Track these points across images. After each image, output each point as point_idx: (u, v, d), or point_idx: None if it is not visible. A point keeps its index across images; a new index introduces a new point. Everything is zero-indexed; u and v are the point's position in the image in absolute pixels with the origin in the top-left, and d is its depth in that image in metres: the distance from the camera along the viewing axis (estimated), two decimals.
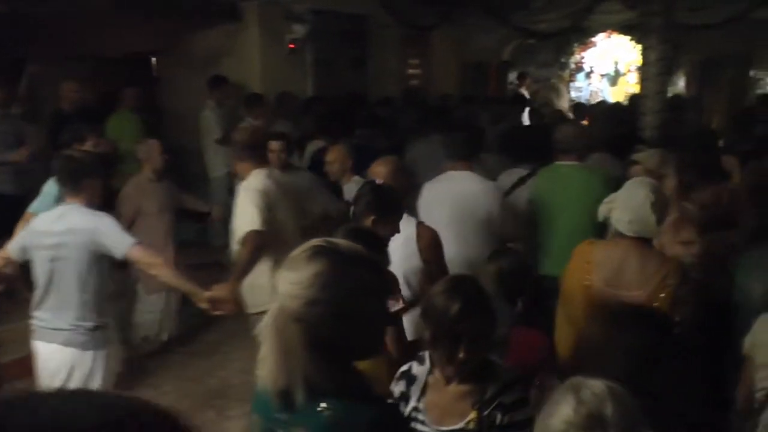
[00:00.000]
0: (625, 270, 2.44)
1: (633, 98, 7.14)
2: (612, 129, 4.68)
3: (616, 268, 2.46)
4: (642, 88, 5.67)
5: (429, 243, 2.87)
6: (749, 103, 8.31)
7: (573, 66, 11.46)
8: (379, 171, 3.12)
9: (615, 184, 3.23)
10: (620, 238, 2.48)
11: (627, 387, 1.36)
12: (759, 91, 9.03)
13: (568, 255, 2.73)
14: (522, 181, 3.88)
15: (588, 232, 3.08)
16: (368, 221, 2.54)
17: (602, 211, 2.56)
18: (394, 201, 2.66)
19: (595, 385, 1.31)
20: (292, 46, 6.95)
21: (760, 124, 6.01)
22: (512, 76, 10.95)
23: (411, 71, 8.74)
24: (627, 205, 2.45)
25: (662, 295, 2.34)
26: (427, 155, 4.65)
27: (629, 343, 1.72)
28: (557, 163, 3.69)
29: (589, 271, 2.51)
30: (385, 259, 2.19)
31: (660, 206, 2.42)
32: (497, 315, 1.93)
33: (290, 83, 6.77)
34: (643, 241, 2.47)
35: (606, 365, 1.67)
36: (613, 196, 2.57)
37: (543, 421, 1.32)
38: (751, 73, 9.95)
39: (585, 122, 6.31)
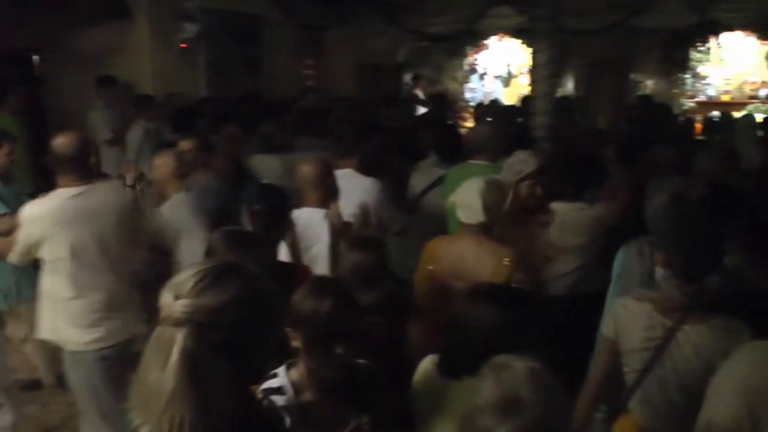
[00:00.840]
0: (464, 261, 2.84)
1: (524, 99, 7.97)
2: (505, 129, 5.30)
3: (455, 259, 2.87)
4: (532, 89, 6.46)
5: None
6: (629, 103, 9.53)
7: (467, 68, 12.45)
8: (305, 170, 3.38)
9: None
10: (463, 231, 2.94)
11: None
12: (638, 93, 10.40)
13: None
14: (439, 180, 4.30)
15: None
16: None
17: (448, 204, 3.04)
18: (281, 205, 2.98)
19: (516, 366, 1.40)
20: (183, 45, 7.25)
21: (636, 123, 7.09)
22: (407, 78, 11.79)
23: (306, 72, 9.28)
24: (462, 196, 2.94)
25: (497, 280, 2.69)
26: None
27: (493, 319, 1.95)
28: (470, 162, 4.07)
29: (436, 263, 2.93)
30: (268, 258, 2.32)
31: (491, 195, 2.86)
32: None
33: (182, 84, 7.08)
34: (481, 233, 2.88)
35: (468, 342, 1.95)
36: (460, 188, 3.02)
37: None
38: (631, 76, 11.42)
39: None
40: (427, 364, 2.14)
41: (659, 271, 2.37)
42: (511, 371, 1.39)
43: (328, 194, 3.38)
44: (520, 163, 3.50)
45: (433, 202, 4.29)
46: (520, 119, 7.21)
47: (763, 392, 1.53)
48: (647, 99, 8.27)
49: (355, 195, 3.67)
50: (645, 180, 3.55)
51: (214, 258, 1.51)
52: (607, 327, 2.42)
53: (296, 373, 1.86)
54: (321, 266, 3.20)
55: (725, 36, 10.74)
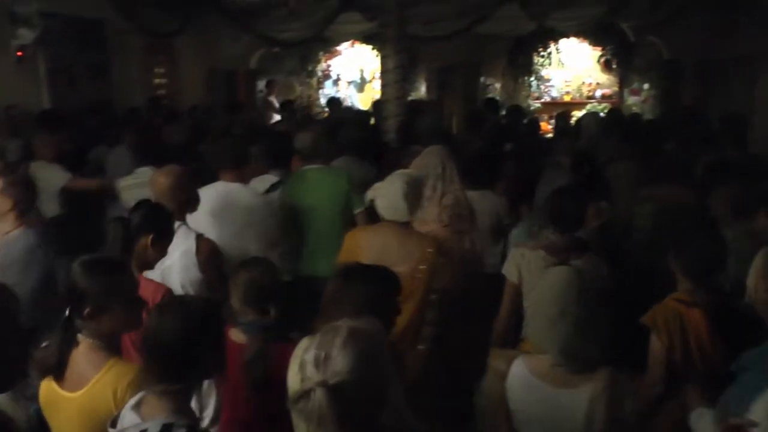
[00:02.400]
0: (389, 250, 3.19)
1: (375, 103, 8.52)
2: (356, 133, 5.58)
3: (380, 249, 3.20)
4: (383, 93, 7.06)
5: (208, 256, 3.31)
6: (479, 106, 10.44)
7: (320, 74, 12.99)
8: (161, 182, 3.39)
9: (362, 184, 4.25)
10: (383, 222, 3.31)
11: None
12: (487, 96, 11.43)
13: (324, 253, 3.61)
14: (273, 187, 4.48)
15: (340, 230, 3.80)
16: (146, 240, 2.89)
17: (368, 195, 3.47)
18: (170, 221, 3.05)
19: (338, 325, 1.58)
20: (20, 53, 7.12)
21: (485, 124, 7.87)
22: (261, 84, 12.14)
23: (157, 80, 9.41)
24: (384, 194, 3.29)
25: (422, 266, 3.17)
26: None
27: (356, 294, 2.25)
28: (305, 168, 4.36)
29: (359, 254, 3.18)
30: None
31: (412, 196, 3.24)
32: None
33: (22, 94, 6.97)
34: (402, 224, 3.27)
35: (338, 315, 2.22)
36: (378, 184, 3.42)
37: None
38: (482, 79, 12.48)
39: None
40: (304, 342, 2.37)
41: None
42: (333, 330, 1.56)
43: (183, 206, 3.41)
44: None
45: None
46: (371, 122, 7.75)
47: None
48: (492, 102, 9.11)
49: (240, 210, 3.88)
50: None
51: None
52: (510, 273, 3.28)
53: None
54: (174, 279, 3.24)
55: (563, 42, 12.04)
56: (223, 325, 2.12)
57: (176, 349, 1.88)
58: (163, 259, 3.13)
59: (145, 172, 4.46)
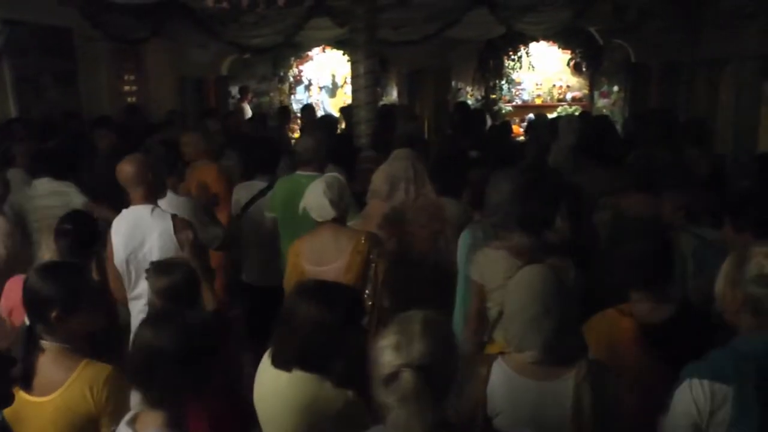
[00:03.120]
0: (324, 249, 3.39)
1: (344, 109, 8.63)
2: (329, 139, 5.61)
3: (317, 249, 3.40)
4: (354, 99, 7.10)
5: (185, 233, 3.43)
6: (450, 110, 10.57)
7: (292, 79, 13.04)
8: (126, 170, 3.48)
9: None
10: (319, 226, 3.44)
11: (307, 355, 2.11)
12: (459, 99, 11.56)
13: None
14: (261, 193, 4.64)
15: None
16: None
17: (301, 205, 3.47)
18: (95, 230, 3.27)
19: (414, 316, 1.79)
20: None
21: (456, 129, 7.99)
22: (234, 91, 12.17)
23: (126, 87, 9.40)
24: (310, 200, 3.41)
25: (358, 259, 3.33)
26: None
27: (309, 314, 2.24)
28: (297, 173, 4.44)
29: (300, 260, 3.42)
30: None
31: (332, 192, 3.35)
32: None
33: None
34: (336, 224, 3.41)
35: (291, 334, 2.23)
36: (306, 191, 3.46)
37: None
38: (453, 83, 12.61)
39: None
40: (265, 356, 2.41)
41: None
42: (408, 319, 1.75)
43: (152, 190, 3.54)
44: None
45: (257, 214, 4.64)
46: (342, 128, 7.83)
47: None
48: (463, 106, 9.23)
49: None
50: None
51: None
52: (474, 272, 3.27)
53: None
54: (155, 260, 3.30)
55: (533, 46, 12.22)
56: (221, 336, 2.20)
57: (175, 364, 1.87)
58: (135, 247, 3.41)
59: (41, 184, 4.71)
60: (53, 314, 2.27)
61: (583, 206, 4.46)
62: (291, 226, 4.19)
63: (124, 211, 3.53)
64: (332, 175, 3.62)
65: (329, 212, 3.38)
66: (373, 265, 3.36)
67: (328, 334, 2.21)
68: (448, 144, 7.17)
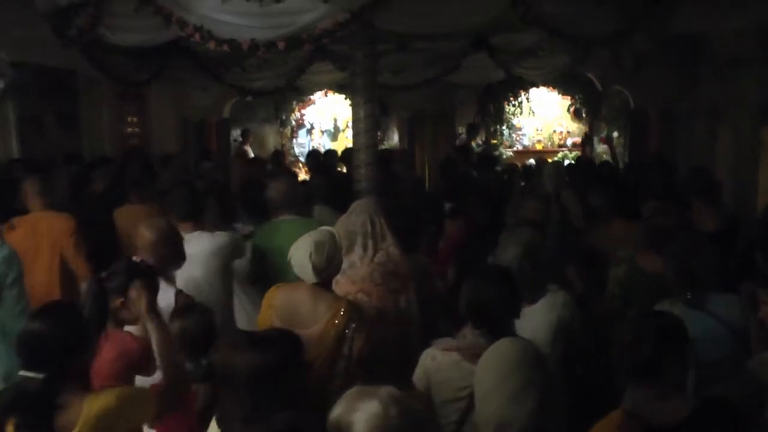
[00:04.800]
0: (300, 310, 3.08)
1: (346, 152, 8.67)
2: (326, 178, 5.83)
3: (293, 309, 3.09)
4: (354, 142, 7.15)
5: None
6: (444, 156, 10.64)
7: (294, 123, 13.19)
8: (146, 236, 3.43)
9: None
10: (301, 281, 3.15)
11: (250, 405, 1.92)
12: (457, 142, 11.69)
13: None
14: (246, 238, 4.51)
15: None
16: (118, 302, 2.87)
17: (290, 253, 3.22)
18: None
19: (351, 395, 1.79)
20: None
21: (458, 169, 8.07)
22: (236, 133, 12.30)
23: (129, 129, 9.52)
24: (295, 256, 3.13)
25: (332, 332, 3.00)
26: None
27: (248, 364, 2.08)
28: (279, 218, 4.37)
29: (271, 315, 3.13)
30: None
31: (318, 256, 3.04)
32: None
33: None
34: (320, 284, 3.10)
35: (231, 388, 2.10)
36: (295, 242, 3.20)
37: None
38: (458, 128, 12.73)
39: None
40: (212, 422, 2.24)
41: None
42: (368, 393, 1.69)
43: (167, 261, 3.45)
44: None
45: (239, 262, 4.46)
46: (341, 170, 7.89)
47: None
48: (463, 150, 9.33)
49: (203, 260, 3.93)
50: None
51: None
52: (418, 377, 2.79)
53: None
54: None
55: (533, 91, 12.38)
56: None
57: (266, 383, 1.99)
58: None
59: None
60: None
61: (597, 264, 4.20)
62: (273, 275, 4.10)
63: None
64: (325, 230, 3.27)
65: (310, 277, 3.10)
66: (350, 339, 3.02)
67: (267, 382, 2.06)
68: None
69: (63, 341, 2.33)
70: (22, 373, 2.30)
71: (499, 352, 2.16)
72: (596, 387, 2.96)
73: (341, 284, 3.56)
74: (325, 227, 3.35)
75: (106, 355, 2.75)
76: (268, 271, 4.23)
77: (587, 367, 3.32)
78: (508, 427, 2.00)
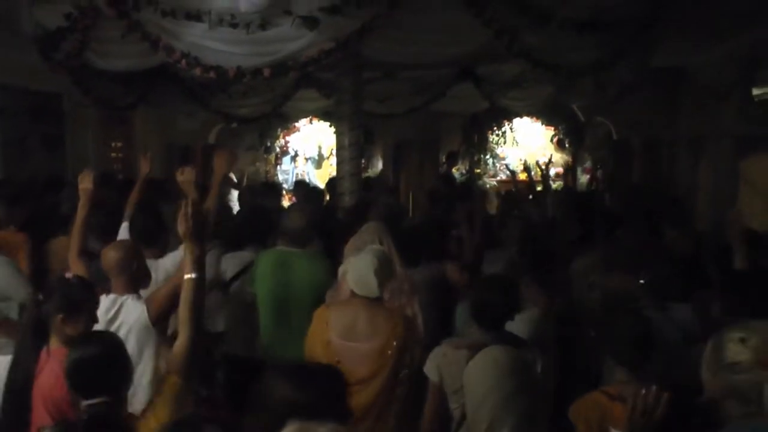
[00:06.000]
0: (357, 325, 3.28)
1: (331, 181, 8.60)
2: (316, 213, 5.60)
3: (349, 324, 3.29)
4: (338, 170, 7.21)
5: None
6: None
7: (278, 150, 13.22)
8: (112, 256, 3.43)
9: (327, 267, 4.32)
10: (353, 296, 3.36)
11: None
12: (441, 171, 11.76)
13: (299, 343, 3.47)
14: (245, 270, 4.63)
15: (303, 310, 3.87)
16: (59, 319, 2.88)
17: (341, 270, 3.51)
18: (85, 298, 2.97)
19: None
20: None
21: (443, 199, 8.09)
22: None
23: (113, 154, 9.53)
24: (355, 268, 3.36)
25: (395, 343, 3.24)
26: None
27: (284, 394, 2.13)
28: (279, 248, 4.46)
29: (326, 331, 3.31)
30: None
31: (382, 271, 3.30)
32: None
33: None
34: (371, 299, 3.32)
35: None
36: (351, 258, 3.51)
37: None
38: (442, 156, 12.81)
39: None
40: None
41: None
42: None
43: (137, 279, 3.50)
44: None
45: (241, 288, 4.66)
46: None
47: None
48: (447, 178, 9.39)
49: None
50: None
51: None
52: (431, 372, 3.16)
53: None
54: (129, 348, 3.11)
55: (517, 121, 12.51)
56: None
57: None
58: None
59: None
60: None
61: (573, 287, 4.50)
62: (274, 302, 4.25)
63: (102, 298, 3.36)
64: (380, 250, 3.59)
65: (374, 291, 3.32)
66: (411, 349, 3.29)
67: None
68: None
69: (119, 365, 2.48)
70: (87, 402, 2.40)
71: (488, 359, 2.37)
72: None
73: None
74: (376, 246, 3.72)
75: (55, 374, 2.73)
76: (269, 297, 4.30)
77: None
78: (500, 429, 2.20)
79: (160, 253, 4.14)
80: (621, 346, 2.65)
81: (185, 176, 4.09)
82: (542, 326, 3.68)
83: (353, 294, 3.38)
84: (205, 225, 2.76)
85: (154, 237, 4.22)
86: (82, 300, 2.96)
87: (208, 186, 4.57)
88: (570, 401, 2.64)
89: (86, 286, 3.06)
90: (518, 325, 3.41)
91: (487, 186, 12.63)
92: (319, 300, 4.00)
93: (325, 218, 6.01)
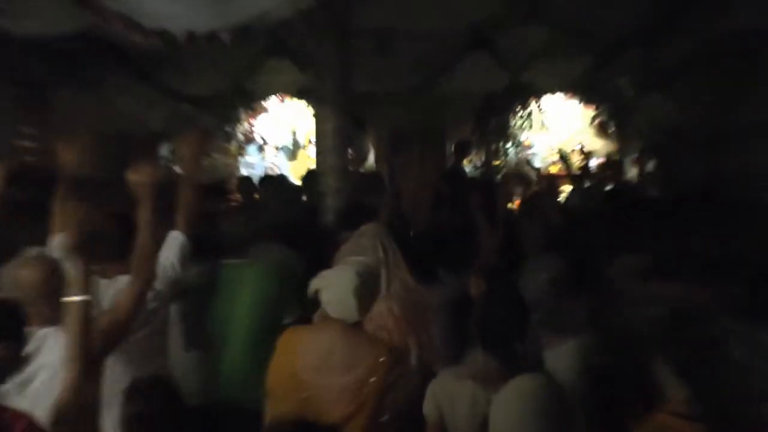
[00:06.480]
0: (332, 355, 3.28)
1: (308, 176, 8.47)
2: (285, 214, 5.82)
3: (323, 352, 3.30)
4: (319, 164, 7.15)
5: None
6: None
7: (242, 137, 13.12)
8: (28, 277, 3.41)
9: (293, 276, 4.41)
10: (329, 319, 3.37)
11: None
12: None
13: (242, 372, 3.75)
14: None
15: (267, 343, 3.77)
16: None
17: (312, 285, 3.44)
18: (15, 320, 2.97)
19: None
20: None
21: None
22: (165, 150, 12.20)
23: (26, 143, 9.42)
24: (331, 285, 3.35)
25: (372, 379, 3.23)
26: None
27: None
28: (224, 262, 4.55)
29: (295, 360, 3.34)
30: None
31: (364, 290, 3.30)
32: None
33: None
34: (351, 324, 3.34)
35: None
36: (326, 272, 3.48)
37: None
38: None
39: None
40: None
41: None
42: None
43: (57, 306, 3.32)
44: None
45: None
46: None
47: None
48: (455, 174, 9.31)
49: None
50: None
51: None
52: (428, 410, 3.26)
53: None
54: (43, 405, 3.11)
55: (546, 99, 12.38)
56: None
57: None
58: (24, 374, 3.18)
59: None
60: None
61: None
62: (221, 328, 4.35)
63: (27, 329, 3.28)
64: (362, 262, 3.58)
65: (352, 314, 3.33)
66: (395, 387, 3.28)
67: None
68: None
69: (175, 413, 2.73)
70: None
71: (518, 391, 2.45)
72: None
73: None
74: (358, 257, 3.68)
75: None
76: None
77: None
78: None
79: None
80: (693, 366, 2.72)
81: (140, 176, 3.94)
82: (593, 356, 3.62)
83: (327, 317, 3.39)
84: (98, 238, 2.91)
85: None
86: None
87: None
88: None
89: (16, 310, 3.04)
90: (564, 359, 3.46)
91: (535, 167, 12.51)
92: (272, 322, 4.13)
93: (302, 224, 5.95)
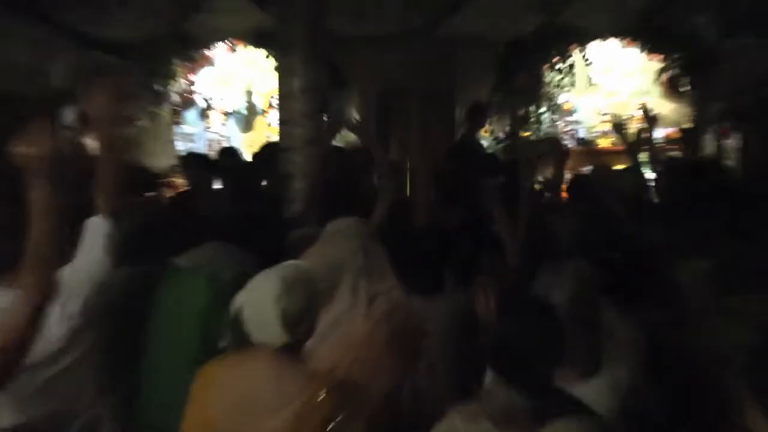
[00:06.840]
0: (255, 394, 3.31)
1: (268, 151, 8.18)
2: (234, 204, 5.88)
3: (245, 390, 3.34)
4: (282, 135, 7.13)
5: None
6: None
7: (178, 98, 13.12)
8: None
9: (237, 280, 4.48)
10: (253, 348, 3.40)
11: None
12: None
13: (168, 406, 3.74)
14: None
15: (195, 363, 3.80)
16: None
17: (235, 302, 3.43)
18: None
19: None
20: None
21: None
22: (71, 116, 12.24)
23: None
24: (249, 302, 3.38)
25: (312, 420, 3.17)
26: None
27: None
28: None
29: (210, 404, 3.39)
30: None
31: (291, 302, 3.30)
32: None
33: None
34: (282, 352, 3.36)
35: None
36: (249, 283, 3.45)
37: None
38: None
39: None
40: None
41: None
42: None
43: None
44: None
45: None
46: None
47: None
48: (464, 147, 9.38)
49: None
50: None
51: None
52: None
53: None
54: None
55: (593, 46, 12.35)
56: None
57: None
58: None
59: None
60: None
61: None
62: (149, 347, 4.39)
63: None
64: (293, 266, 3.59)
65: (274, 334, 3.33)
66: None
67: None
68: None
69: None
70: None
71: None
72: None
73: (321, 355, 3.69)
74: (293, 261, 3.67)
75: None
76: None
77: None
78: None
79: None
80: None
81: (30, 147, 3.97)
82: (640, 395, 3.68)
83: (252, 343, 3.40)
84: None
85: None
86: None
87: None
88: None
89: None
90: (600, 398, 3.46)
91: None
92: (198, 340, 4.16)
93: (258, 217, 6.02)
